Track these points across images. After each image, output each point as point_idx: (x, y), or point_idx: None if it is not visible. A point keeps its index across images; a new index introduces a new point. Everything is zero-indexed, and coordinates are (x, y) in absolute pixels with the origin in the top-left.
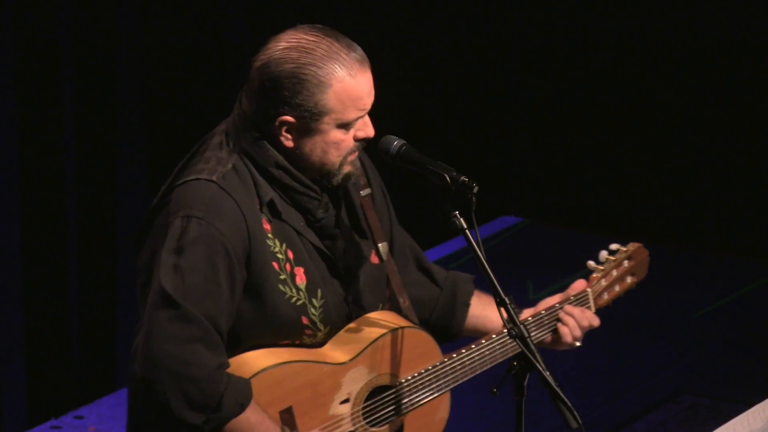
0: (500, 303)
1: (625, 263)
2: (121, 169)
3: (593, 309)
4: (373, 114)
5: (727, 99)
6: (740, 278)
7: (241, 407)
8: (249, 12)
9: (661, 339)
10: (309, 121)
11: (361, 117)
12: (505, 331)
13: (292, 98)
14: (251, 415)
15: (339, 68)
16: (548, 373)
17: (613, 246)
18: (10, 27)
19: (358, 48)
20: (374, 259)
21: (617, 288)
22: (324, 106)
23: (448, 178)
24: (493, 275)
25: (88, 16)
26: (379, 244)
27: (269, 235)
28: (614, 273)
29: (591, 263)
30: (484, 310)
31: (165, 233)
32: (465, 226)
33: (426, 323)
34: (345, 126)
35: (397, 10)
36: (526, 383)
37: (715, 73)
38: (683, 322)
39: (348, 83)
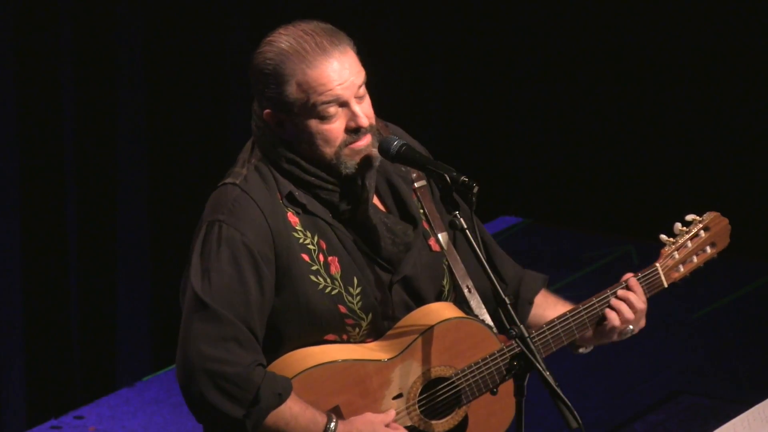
0: (499, 303)
1: (702, 234)
2: (121, 169)
3: (665, 284)
4: (375, 113)
5: (726, 99)
6: (740, 278)
7: (280, 398)
8: (250, 12)
9: (661, 339)
10: (286, 115)
11: (332, 105)
12: (567, 315)
13: (264, 93)
14: (293, 405)
15: (298, 60)
16: (548, 373)
17: (689, 217)
18: (10, 27)
19: (333, 38)
20: (435, 247)
21: (695, 259)
22: (288, 97)
23: (448, 178)
24: (494, 275)
25: (88, 17)
26: (439, 234)
27: (298, 228)
28: (689, 245)
29: (663, 237)
30: (545, 311)
31: (195, 240)
32: (465, 226)
33: (492, 317)
34: (319, 116)
35: (398, 10)
36: (526, 383)
37: (714, 73)
38: (683, 322)
39: (308, 74)
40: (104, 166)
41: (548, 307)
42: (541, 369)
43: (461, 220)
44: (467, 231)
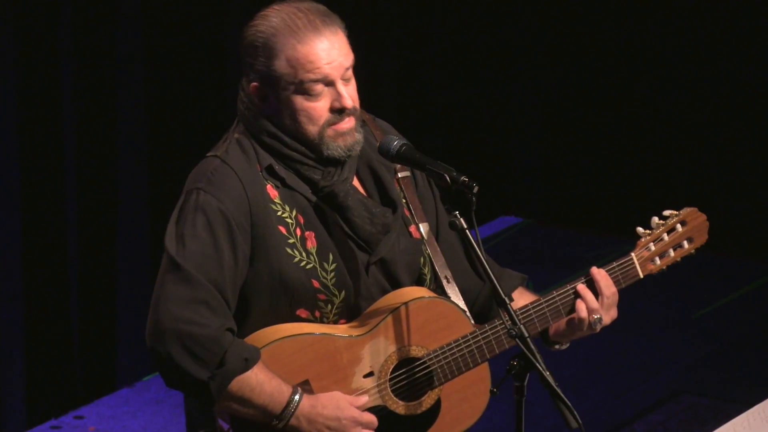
0: (500, 303)
1: (679, 228)
2: (121, 169)
3: (641, 275)
4: (375, 113)
5: (726, 98)
6: (740, 278)
7: (246, 363)
8: (250, 12)
9: (661, 339)
10: (272, 89)
11: (318, 83)
12: (540, 300)
13: (253, 65)
14: (259, 372)
15: (290, 35)
16: (548, 373)
17: (666, 212)
18: (10, 27)
19: (326, 18)
20: (416, 234)
21: (672, 253)
22: (276, 71)
23: (448, 178)
24: (494, 275)
25: (88, 16)
26: (420, 224)
27: (276, 201)
28: (666, 238)
29: (640, 229)
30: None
31: (174, 210)
32: (465, 226)
33: (471, 312)
34: (305, 93)
35: (398, 8)
36: (526, 383)
37: (714, 73)
38: (683, 322)
39: (299, 49)
40: (104, 166)
41: (522, 303)
42: (541, 369)
43: (461, 220)
44: (467, 231)
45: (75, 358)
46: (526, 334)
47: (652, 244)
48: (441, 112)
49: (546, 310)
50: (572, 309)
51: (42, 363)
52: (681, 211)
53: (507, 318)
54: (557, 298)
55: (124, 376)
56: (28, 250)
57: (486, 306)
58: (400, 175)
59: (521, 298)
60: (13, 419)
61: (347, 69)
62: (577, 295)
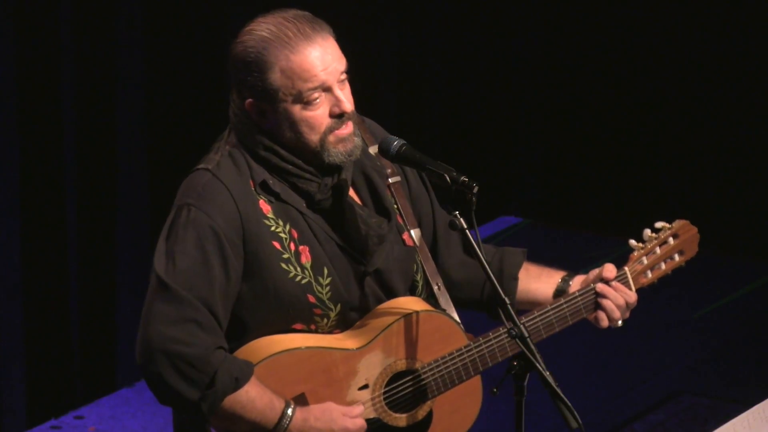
0: (499, 303)
1: (671, 240)
2: (121, 169)
3: (633, 288)
4: (374, 113)
5: (726, 98)
6: (740, 278)
7: (237, 382)
8: (250, 12)
9: (661, 339)
10: (269, 103)
11: (317, 90)
12: (536, 314)
13: (246, 81)
14: (251, 389)
15: (282, 47)
16: (548, 373)
17: (658, 224)
18: (10, 27)
19: (315, 25)
20: (409, 242)
21: (663, 266)
22: (272, 84)
23: (448, 178)
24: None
25: (88, 17)
26: (412, 230)
27: (269, 216)
28: (658, 251)
29: (632, 242)
30: (530, 284)
31: (164, 225)
32: (465, 226)
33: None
34: (303, 102)
35: (397, 9)
36: (526, 383)
37: (714, 72)
38: (683, 322)
39: (292, 60)
40: (104, 166)
41: (531, 279)
42: (541, 369)
43: (461, 220)
44: (467, 231)
45: (75, 358)
46: (526, 335)
47: (644, 257)
48: (440, 112)
49: (553, 318)
50: (584, 313)
51: (42, 363)
52: (673, 224)
53: (506, 318)
54: (564, 306)
55: (124, 376)
56: (28, 250)
57: (492, 294)
58: (391, 180)
59: (529, 277)
60: (13, 419)
61: (342, 73)
62: (599, 306)
